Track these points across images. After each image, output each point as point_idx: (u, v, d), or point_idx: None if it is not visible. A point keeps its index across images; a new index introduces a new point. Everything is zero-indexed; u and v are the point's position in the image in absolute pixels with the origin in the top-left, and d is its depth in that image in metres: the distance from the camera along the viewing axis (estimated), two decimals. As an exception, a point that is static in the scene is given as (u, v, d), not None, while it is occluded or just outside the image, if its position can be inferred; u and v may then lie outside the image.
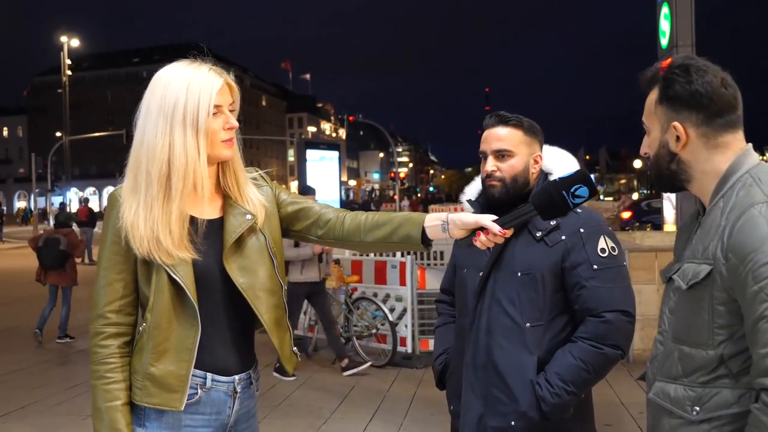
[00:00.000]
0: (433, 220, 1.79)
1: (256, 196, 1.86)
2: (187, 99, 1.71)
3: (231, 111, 1.80)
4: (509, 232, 1.71)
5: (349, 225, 1.88)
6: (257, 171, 1.96)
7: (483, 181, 2.29)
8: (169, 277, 1.72)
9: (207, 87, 1.73)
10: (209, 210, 1.82)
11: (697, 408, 1.46)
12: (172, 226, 1.71)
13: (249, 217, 1.82)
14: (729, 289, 1.40)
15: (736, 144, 1.52)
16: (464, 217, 1.75)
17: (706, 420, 1.45)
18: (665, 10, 12.86)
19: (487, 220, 1.70)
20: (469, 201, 2.37)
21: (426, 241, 1.80)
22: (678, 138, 1.53)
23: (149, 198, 1.72)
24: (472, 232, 1.74)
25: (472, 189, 2.41)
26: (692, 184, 1.57)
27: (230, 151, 1.80)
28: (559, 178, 1.69)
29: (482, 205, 2.29)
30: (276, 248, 1.87)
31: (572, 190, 1.66)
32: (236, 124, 1.79)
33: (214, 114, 1.74)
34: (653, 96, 1.59)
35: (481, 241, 1.71)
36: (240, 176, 1.86)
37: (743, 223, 1.38)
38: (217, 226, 1.81)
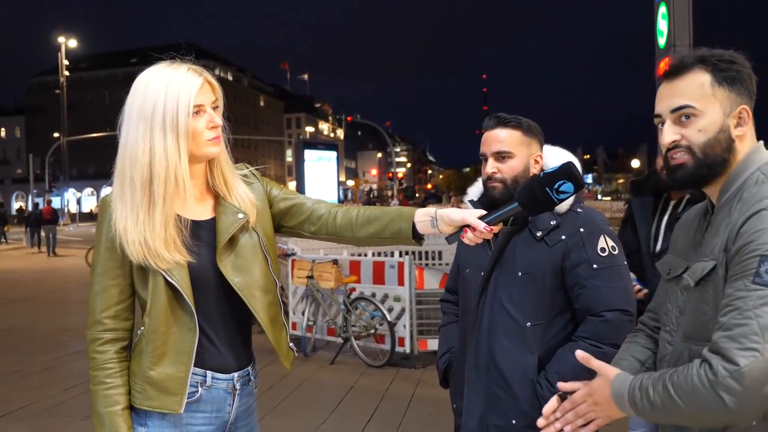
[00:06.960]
0: (423, 215, 1.79)
1: (246, 194, 1.85)
2: (166, 101, 1.70)
3: (215, 108, 1.78)
4: (496, 229, 1.72)
5: (341, 220, 1.88)
6: (247, 167, 1.94)
7: (484, 183, 2.30)
8: (166, 281, 1.71)
9: (186, 87, 1.71)
10: (201, 210, 1.82)
11: None
12: (159, 230, 1.70)
13: (241, 216, 1.81)
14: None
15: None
16: (452, 213, 1.74)
17: None
18: (663, 9, 12.88)
19: (473, 217, 1.71)
20: (471, 201, 2.38)
21: (417, 236, 1.80)
22: (739, 123, 1.45)
23: (135, 205, 1.71)
24: (459, 229, 1.74)
25: (475, 190, 2.42)
26: (720, 179, 1.48)
27: (217, 149, 1.78)
28: (543, 174, 1.69)
29: (484, 205, 2.30)
30: (269, 246, 1.87)
31: (556, 186, 1.65)
32: (220, 122, 1.77)
33: (196, 113, 1.72)
34: (702, 78, 1.46)
35: (469, 237, 1.72)
36: (228, 174, 1.85)
37: (748, 216, 1.36)
38: (209, 226, 1.80)
